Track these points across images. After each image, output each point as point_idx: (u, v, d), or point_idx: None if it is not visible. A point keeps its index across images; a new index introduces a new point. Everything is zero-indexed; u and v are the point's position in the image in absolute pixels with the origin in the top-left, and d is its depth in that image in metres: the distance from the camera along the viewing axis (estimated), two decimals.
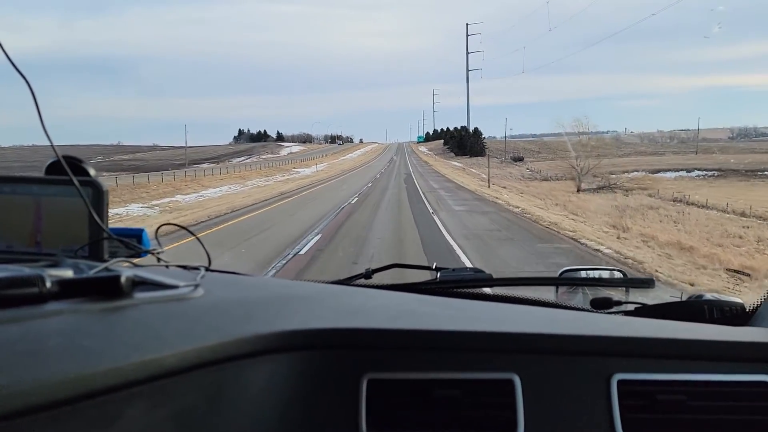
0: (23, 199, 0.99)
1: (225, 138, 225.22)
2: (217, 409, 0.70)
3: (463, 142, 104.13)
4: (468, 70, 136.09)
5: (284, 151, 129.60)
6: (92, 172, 1.00)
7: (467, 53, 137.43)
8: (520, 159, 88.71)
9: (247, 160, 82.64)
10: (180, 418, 0.65)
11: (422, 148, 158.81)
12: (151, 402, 0.62)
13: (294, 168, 63.94)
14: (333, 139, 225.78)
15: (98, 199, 0.97)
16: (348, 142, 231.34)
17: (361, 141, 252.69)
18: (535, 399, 0.85)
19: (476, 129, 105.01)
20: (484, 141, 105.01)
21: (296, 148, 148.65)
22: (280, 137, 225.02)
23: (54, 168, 0.99)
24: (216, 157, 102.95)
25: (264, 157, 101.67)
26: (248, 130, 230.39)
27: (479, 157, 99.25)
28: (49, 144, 0.89)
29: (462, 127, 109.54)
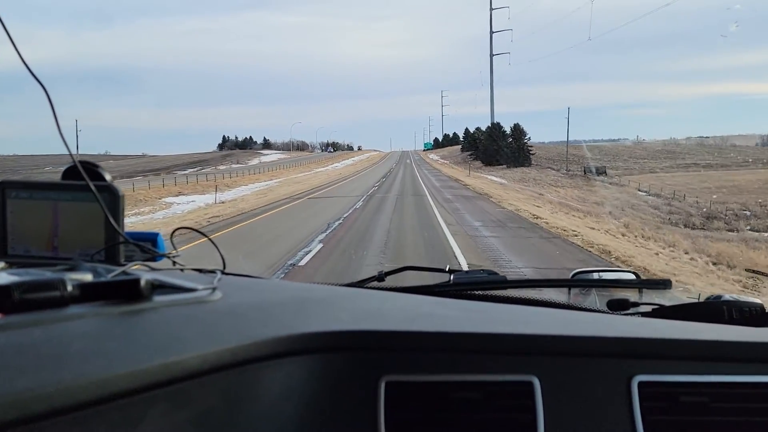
0: (40, 204, 0.98)
1: (213, 145, 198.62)
2: (236, 411, 0.69)
3: (497, 147, 70.14)
4: (492, 55, 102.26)
5: (258, 160, 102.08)
6: (108, 177, 0.99)
7: (491, 32, 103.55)
8: (602, 171, 54.27)
9: (198, 172, 60.84)
10: (200, 420, 0.65)
11: (432, 155, 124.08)
12: (173, 404, 0.62)
13: (192, 194, 30.35)
14: (327, 146, 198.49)
15: (114, 203, 0.96)
16: (348, 149, 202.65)
17: (359, 148, 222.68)
18: (554, 401, 0.83)
19: (516, 126, 70.18)
20: (528, 145, 70.51)
21: (275, 156, 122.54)
22: (267, 144, 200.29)
23: (70, 173, 0.99)
24: (166, 167, 77.42)
25: (221, 167, 74.75)
26: (236, 137, 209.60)
27: (524, 168, 65.02)
28: (56, 151, 0.86)
29: (493, 124, 74.67)
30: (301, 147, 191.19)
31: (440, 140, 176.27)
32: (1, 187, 0.98)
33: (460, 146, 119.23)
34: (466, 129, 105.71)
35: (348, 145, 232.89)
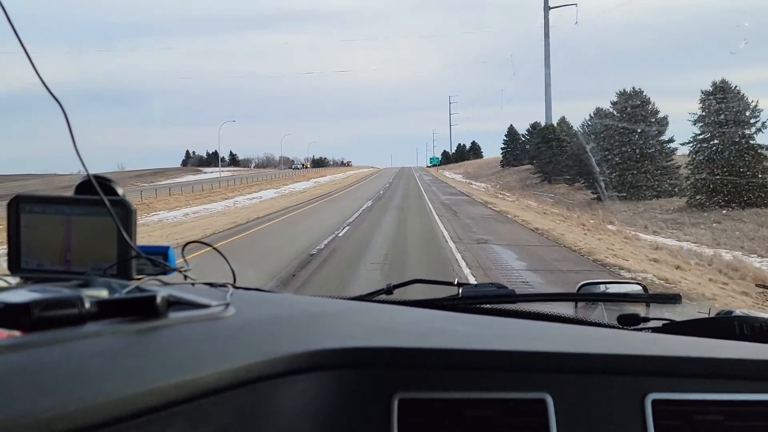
0: (53, 219, 0.97)
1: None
2: (252, 428, 0.69)
3: (646, 158, 26.06)
4: (547, 8, 59.15)
5: (171, 180, 64.67)
6: (120, 191, 0.99)
7: None
8: None
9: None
10: None
11: (448, 173, 78.81)
12: (190, 422, 0.61)
13: None
14: (317, 162, 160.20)
15: (127, 218, 0.95)
16: (342, 165, 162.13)
17: (348, 164, 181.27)
18: (568, 419, 0.82)
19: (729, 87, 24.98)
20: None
21: (215, 174, 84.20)
22: (234, 159, 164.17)
23: (84, 188, 0.98)
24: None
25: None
26: (207, 152, 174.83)
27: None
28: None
29: (634, 92, 30.07)
30: (275, 163, 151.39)
31: (450, 154, 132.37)
32: (15, 201, 0.97)
33: (496, 158, 75.68)
34: (510, 128, 61.27)
35: (341, 160, 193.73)
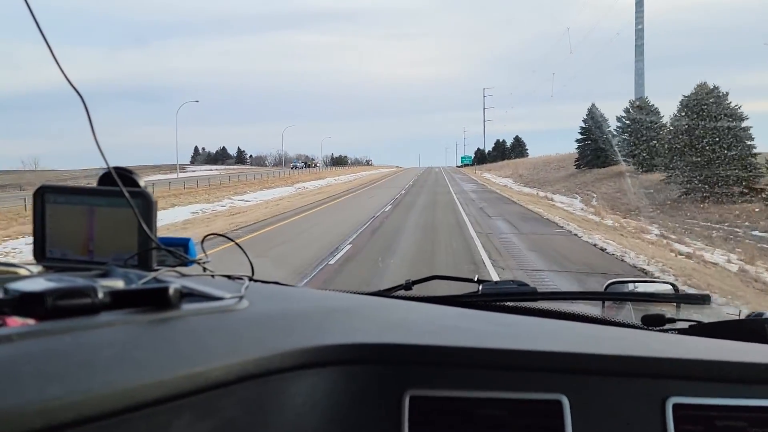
0: (77, 209, 0.99)
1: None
2: (260, 422, 0.68)
3: None
4: None
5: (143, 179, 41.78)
6: (142, 183, 1.00)
7: None
8: None
9: None
10: (224, 430, 0.64)
11: (490, 175, 59.26)
12: (197, 414, 0.61)
13: None
14: (336, 160, 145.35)
15: (147, 209, 0.96)
16: (366, 164, 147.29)
17: (369, 162, 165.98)
18: (584, 422, 0.79)
19: None
20: None
21: (202, 172, 72.60)
22: (240, 157, 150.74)
23: (106, 179, 1.00)
24: None
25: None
26: (221, 149, 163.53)
27: None
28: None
29: None
30: (286, 161, 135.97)
31: (486, 152, 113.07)
32: (40, 191, 0.99)
33: (551, 157, 56.64)
34: (590, 111, 42.00)
35: (363, 159, 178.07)
